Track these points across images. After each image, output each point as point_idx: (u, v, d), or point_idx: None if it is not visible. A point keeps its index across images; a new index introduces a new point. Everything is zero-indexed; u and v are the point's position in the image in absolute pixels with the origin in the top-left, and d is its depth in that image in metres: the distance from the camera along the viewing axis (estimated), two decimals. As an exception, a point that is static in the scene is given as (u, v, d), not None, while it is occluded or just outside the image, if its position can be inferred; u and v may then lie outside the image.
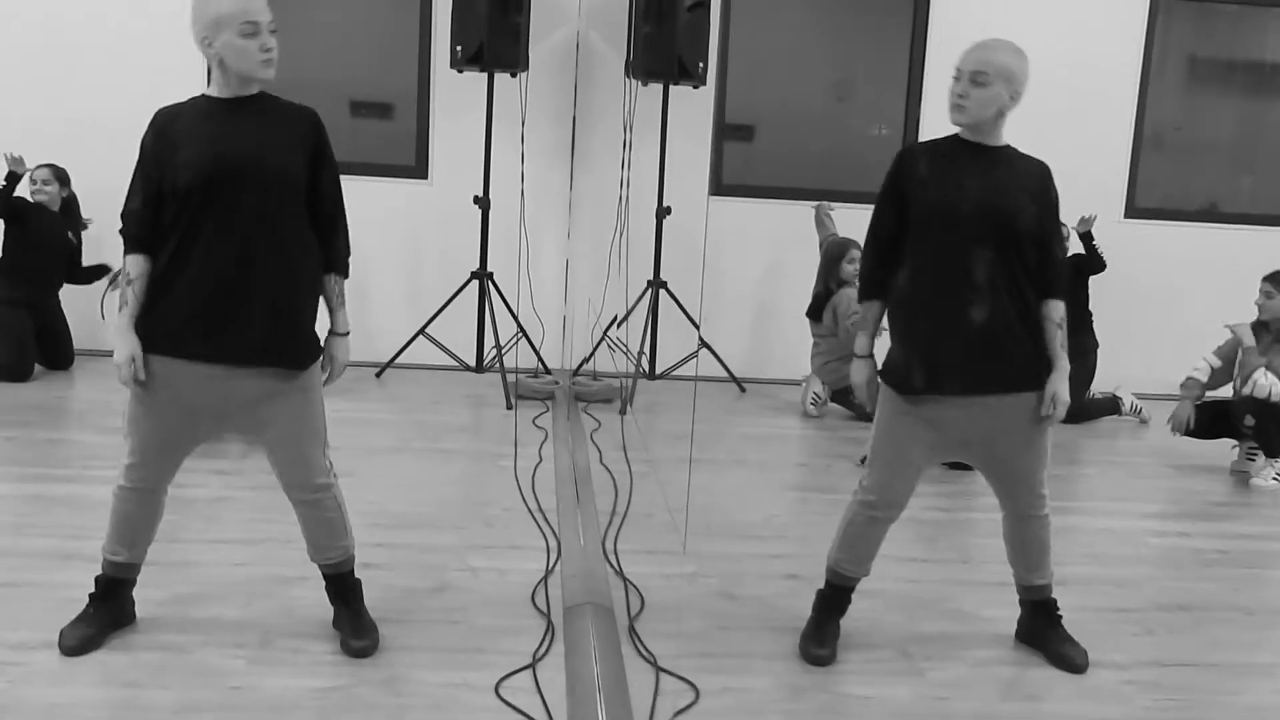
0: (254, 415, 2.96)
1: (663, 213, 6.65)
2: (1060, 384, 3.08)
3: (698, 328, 6.62)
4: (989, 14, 7.03)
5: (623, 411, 6.09)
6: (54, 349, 6.31)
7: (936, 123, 7.07)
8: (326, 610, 3.30)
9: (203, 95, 2.95)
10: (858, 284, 3.25)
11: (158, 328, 2.85)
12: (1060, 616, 3.32)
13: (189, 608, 3.30)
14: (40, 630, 3.03)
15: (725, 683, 2.98)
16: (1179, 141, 7.48)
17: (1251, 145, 7.61)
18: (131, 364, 2.84)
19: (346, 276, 3.13)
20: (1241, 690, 3.18)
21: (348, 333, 3.12)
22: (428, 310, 6.63)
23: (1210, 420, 5.51)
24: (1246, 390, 5.30)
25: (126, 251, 2.89)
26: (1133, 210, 7.25)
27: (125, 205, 2.90)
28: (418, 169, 7.01)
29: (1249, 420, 5.33)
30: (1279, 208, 7.53)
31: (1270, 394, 5.20)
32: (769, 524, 4.38)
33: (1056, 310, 3.10)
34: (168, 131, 2.86)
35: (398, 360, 6.70)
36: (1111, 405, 6.60)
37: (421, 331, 6.58)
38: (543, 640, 3.19)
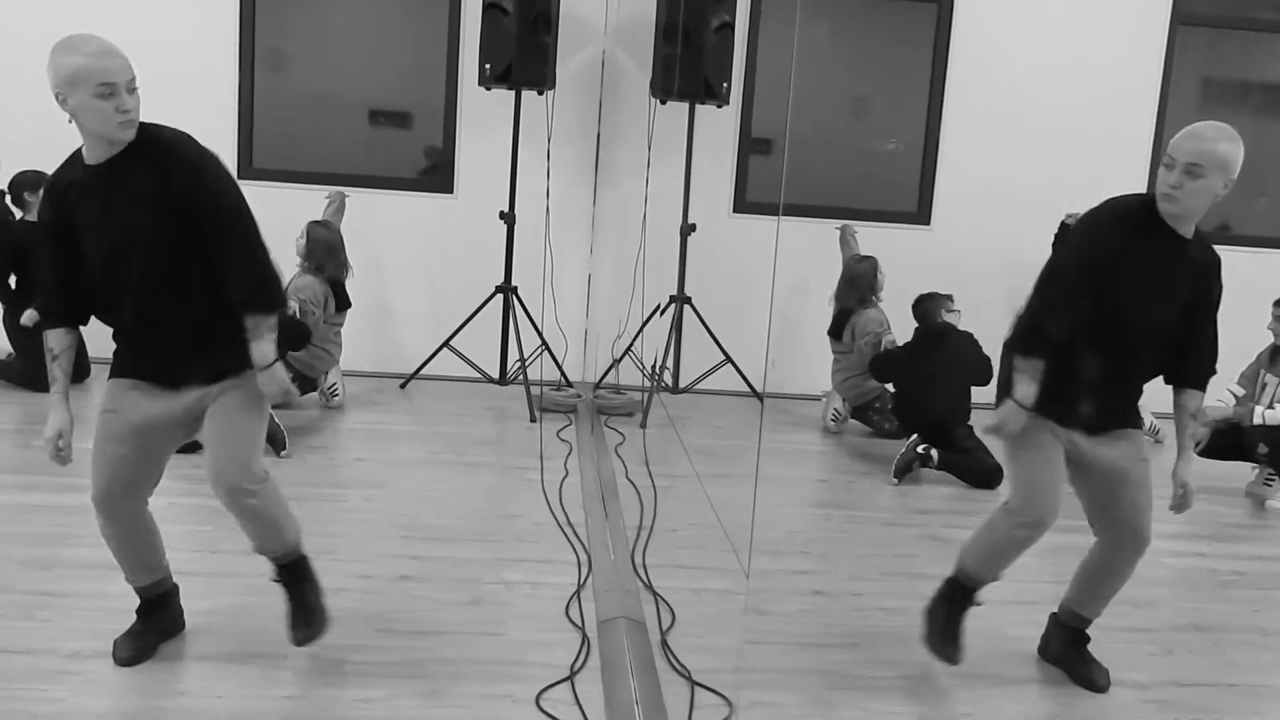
0: (196, 419, 3.01)
1: (687, 230, 6.74)
2: (1184, 470, 3.20)
3: (720, 344, 6.73)
4: (1010, 34, 7.14)
5: (642, 425, 6.18)
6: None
7: (956, 139, 7.19)
8: (367, 622, 3.41)
9: (79, 158, 2.86)
10: (1018, 334, 3.19)
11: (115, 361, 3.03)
12: (1089, 639, 3.40)
13: (233, 619, 3.40)
14: (93, 640, 3.14)
15: (757, 696, 3.07)
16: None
17: (1265, 167, 7.69)
18: (58, 438, 2.97)
19: (267, 311, 2.94)
20: (1260, 711, 3.26)
21: (269, 365, 2.93)
22: (451, 323, 6.73)
23: (1223, 442, 5.59)
24: (1257, 420, 5.39)
25: (45, 328, 2.97)
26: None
27: (38, 281, 3.02)
28: (443, 183, 7.12)
29: (1262, 448, 5.42)
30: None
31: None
32: (792, 540, 4.47)
33: (1192, 400, 3.18)
34: (61, 207, 2.86)
35: (422, 372, 6.80)
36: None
37: (446, 344, 6.68)
38: (579, 653, 3.28)
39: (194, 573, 3.66)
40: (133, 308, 2.90)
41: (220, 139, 6.72)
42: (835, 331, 6.51)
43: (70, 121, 2.77)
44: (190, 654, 3.14)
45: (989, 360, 5.49)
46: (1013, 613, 3.78)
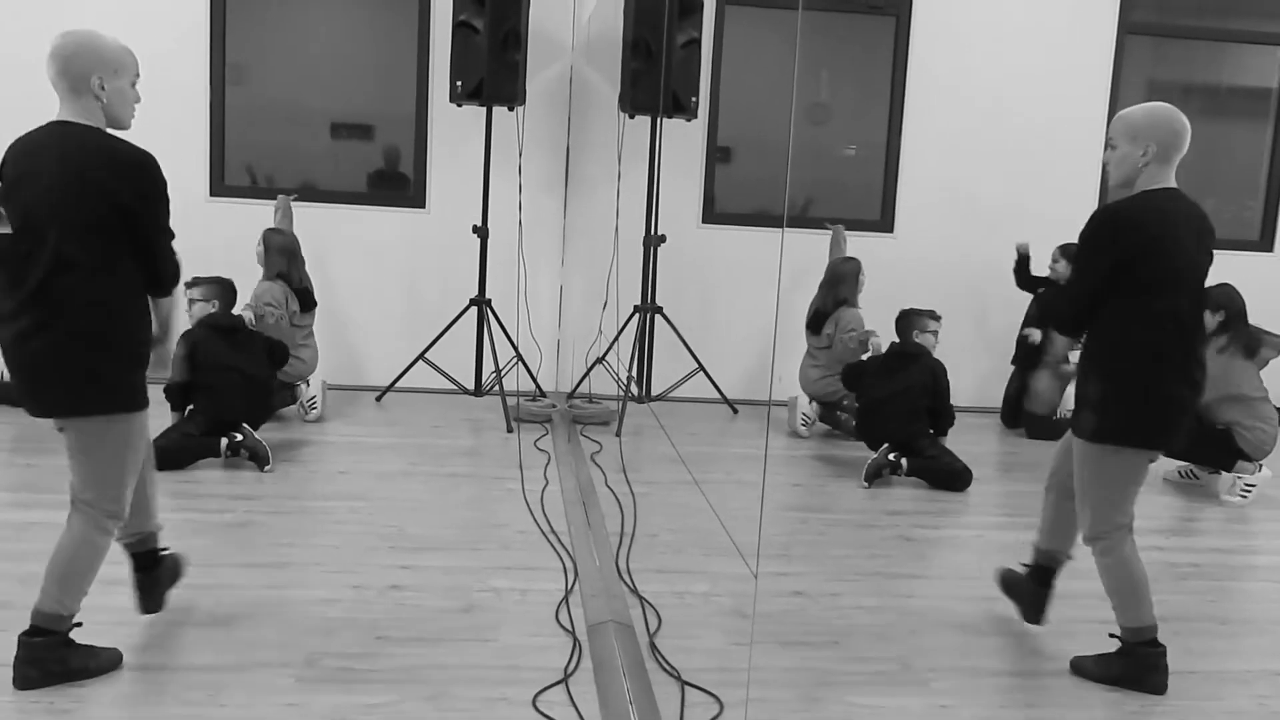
0: None
1: (654, 240, 6.88)
2: None
3: (693, 352, 6.87)
4: (966, 44, 7.35)
5: (618, 433, 6.30)
6: None
7: (917, 147, 7.38)
8: (364, 630, 3.50)
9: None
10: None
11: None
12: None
13: (232, 629, 3.48)
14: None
15: (745, 695, 3.19)
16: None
17: (1212, 169, 7.96)
18: None
19: None
20: (1220, 696, 3.43)
21: None
22: (426, 336, 6.82)
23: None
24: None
25: None
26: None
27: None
28: (415, 198, 7.21)
29: None
30: (1238, 231, 7.89)
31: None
32: (771, 544, 4.60)
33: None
34: None
35: (397, 385, 6.89)
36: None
37: (421, 356, 6.77)
38: (571, 656, 3.40)
39: (190, 585, 3.74)
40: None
41: (192, 155, 6.87)
42: (814, 326, 6.65)
43: (79, 101, 2.97)
44: (192, 664, 3.22)
45: (946, 391, 5.71)
46: (983, 607, 3.95)
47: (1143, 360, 3.28)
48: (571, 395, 7.12)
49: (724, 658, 3.47)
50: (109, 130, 3.03)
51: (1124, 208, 3.30)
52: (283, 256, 6.19)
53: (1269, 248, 7.90)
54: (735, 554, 4.44)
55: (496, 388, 6.69)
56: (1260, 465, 5.65)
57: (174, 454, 5.09)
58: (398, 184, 7.28)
